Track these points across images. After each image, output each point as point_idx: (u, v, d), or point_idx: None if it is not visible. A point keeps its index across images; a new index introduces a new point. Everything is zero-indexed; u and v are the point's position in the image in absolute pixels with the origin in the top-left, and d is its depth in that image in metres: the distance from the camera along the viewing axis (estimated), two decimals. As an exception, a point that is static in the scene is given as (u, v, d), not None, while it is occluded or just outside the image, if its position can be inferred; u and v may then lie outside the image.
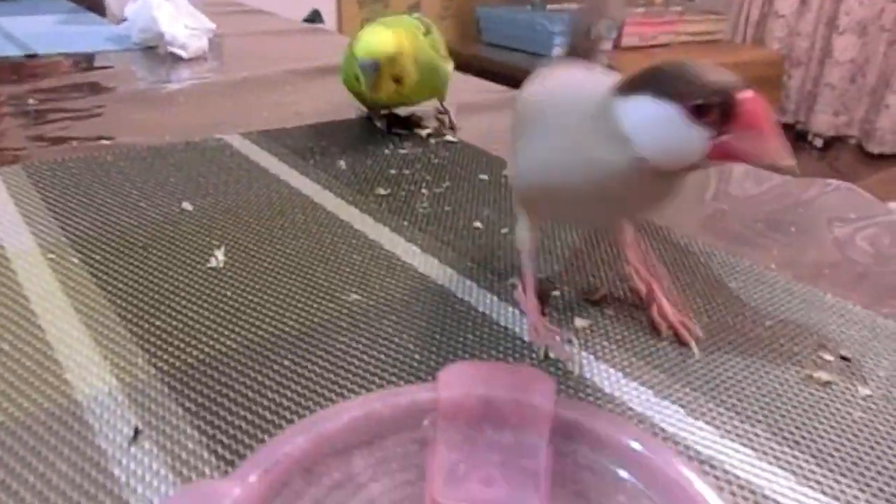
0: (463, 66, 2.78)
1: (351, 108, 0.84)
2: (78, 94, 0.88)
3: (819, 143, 3.12)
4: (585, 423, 0.32)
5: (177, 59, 1.06)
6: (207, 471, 0.34)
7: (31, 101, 0.84)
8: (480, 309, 0.47)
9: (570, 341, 0.44)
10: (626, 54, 2.88)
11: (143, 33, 1.09)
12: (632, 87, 0.34)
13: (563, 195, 0.39)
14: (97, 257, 0.50)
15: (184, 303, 0.45)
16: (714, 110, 0.31)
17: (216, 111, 0.82)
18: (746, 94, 0.31)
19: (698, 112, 0.31)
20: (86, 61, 1.04)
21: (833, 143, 3.13)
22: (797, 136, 3.20)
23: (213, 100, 0.87)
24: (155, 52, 1.09)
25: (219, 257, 0.50)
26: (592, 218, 0.50)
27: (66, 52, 1.08)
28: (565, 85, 0.42)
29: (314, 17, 2.75)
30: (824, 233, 0.60)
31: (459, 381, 0.34)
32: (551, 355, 0.42)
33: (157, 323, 0.44)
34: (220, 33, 1.19)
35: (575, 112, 0.37)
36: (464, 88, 0.99)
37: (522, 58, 2.79)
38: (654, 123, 0.32)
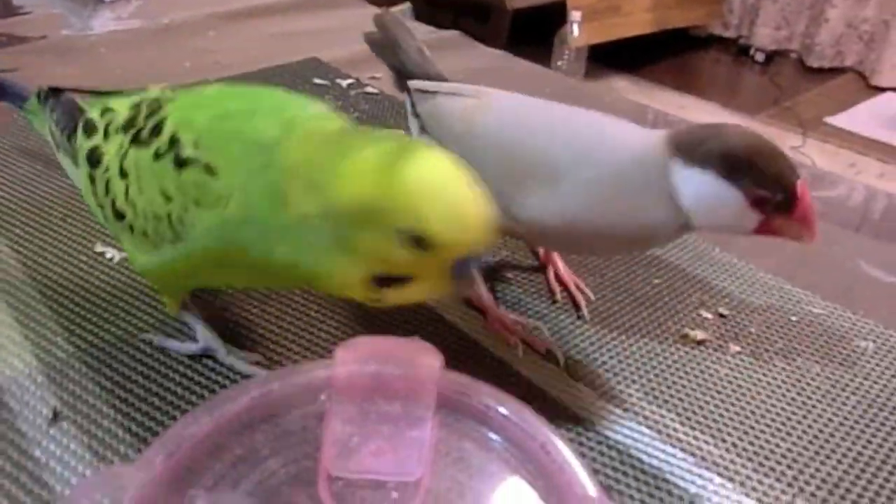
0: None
1: (273, 56, 0.84)
2: (-7, 46, 0.87)
3: (761, 57, 3.14)
4: (467, 394, 0.35)
5: (99, 1, 1.04)
6: (122, 448, 0.36)
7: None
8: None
9: (536, 328, 0.45)
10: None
11: (63, -26, 1.06)
12: (692, 154, 0.34)
13: (594, 242, 0.39)
14: (17, 231, 0.51)
15: (103, 277, 0.47)
16: (774, 202, 0.33)
17: (137, 63, 0.82)
18: (803, 190, 0.33)
19: (760, 201, 0.33)
20: (1, 6, 1.02)
21: (774, 57, 3.15)
22: (739, 51, 3.22)
23: (135, 50, 0.86)
24: (76, -8, 1.07)
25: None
26: (607, 253, 0.51)
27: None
28: (560, 127, 0.40)
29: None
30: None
31: (354, 357, 0.37)
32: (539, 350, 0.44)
33: (77, 299, 0.45)
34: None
35: (606, 165, 0.36)
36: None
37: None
38: (715, 202, 0.34)
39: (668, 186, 0.34)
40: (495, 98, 0.44)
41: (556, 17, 2.57)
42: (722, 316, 0.48)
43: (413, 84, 0.48)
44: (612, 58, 2.88)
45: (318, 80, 0.79)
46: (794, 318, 0.48)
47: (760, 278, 0.51)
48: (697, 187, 0.34)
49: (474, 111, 0.42)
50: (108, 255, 0.49)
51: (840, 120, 2.64)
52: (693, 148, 0.34)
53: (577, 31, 2.53)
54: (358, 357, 0.37)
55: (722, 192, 0.33)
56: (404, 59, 0.50)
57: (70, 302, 0.45)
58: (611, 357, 0.43)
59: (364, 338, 0.42)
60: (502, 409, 0.34)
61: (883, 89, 2.88)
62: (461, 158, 0.30)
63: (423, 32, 0.97)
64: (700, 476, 0.36)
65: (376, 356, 0.37)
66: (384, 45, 0.53)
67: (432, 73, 0.50)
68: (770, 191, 0.33)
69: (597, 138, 0.38)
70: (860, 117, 2.68)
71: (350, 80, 0.79)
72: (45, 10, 1.00)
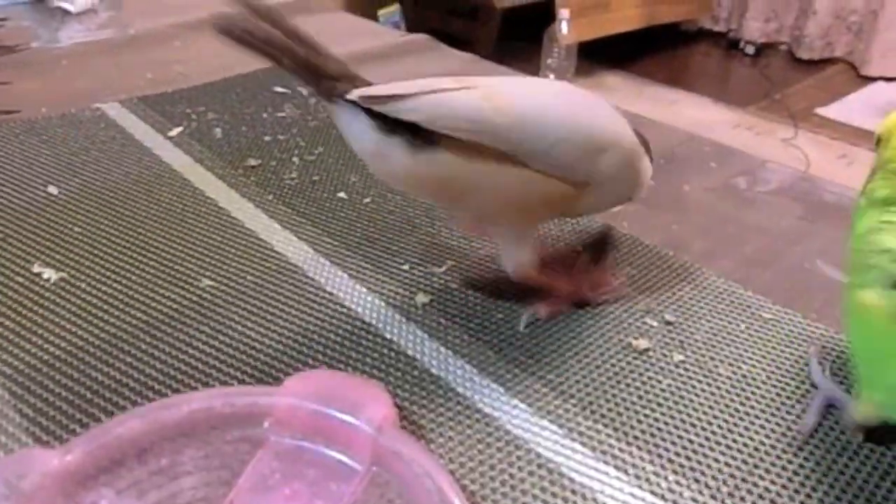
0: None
1: (236, 65, 0.83)
2: (-43, 59, 0.86)
3: (751, 50, 3.13)
4: (404, 459, 0.34)
5: (66, 12, 1.03)
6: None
7: None
8: (328, 289, 0.48)
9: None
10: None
11: (30, -15, 1.05)
12: None
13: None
14: (-44, 252, 0.51)
15: (29, 302, 0.46)
16: None
17: (99, 75, 0.81)
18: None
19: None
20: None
21: (764, 49, 3.14)
22: (729, 44, 3.21)
23: (98, 61, 0.85)
24: (44, 5, 1.06)
25: (73, 254, 0.51)
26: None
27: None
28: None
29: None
30: (679, 187, 0.63)
31: (302, 390, 0.36)
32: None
33: (12, 319, 0.45)
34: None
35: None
36: (357, 33, 0.98)
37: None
38: None
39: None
40: (496, 85, 0.41)
41: (545, 15, 2.56)
42: (668, 323, 0.47)
43: (363, 92, 0.39)
44: (602, 54, 2.87)
45: (278, 89, 0.78)
46: (742, 325, 0.47)
47: (712, 283, 0.50)
48: None
49: (495, 100, 0.39)
50: (46, 276, 0.48)
51: (831, 111, 2.63)
52: None
53: (567, 29, 2.52)
54: (305, 391, 0.37)
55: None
56: (321, 63, 0.40)
57: (7, 320, 0.44)
58: (549, 371, 0.43)
59: (319, 371, 0.41)
60: (436, 482, 0.32)
61: (873, 79, 2.87)
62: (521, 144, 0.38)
63: (392, 36, 0.96)
64: (632, 496, 0.36)
65: (325, 393, 0.36)
66: (282, 48, 0.39)
67: (358, 77, 0.41)
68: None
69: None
70: (851, 107, 2.67)
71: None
72: (12, 23, 0.99)
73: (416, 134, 0.38)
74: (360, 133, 0.40)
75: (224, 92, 0.77)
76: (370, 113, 0.38)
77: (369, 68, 0.85)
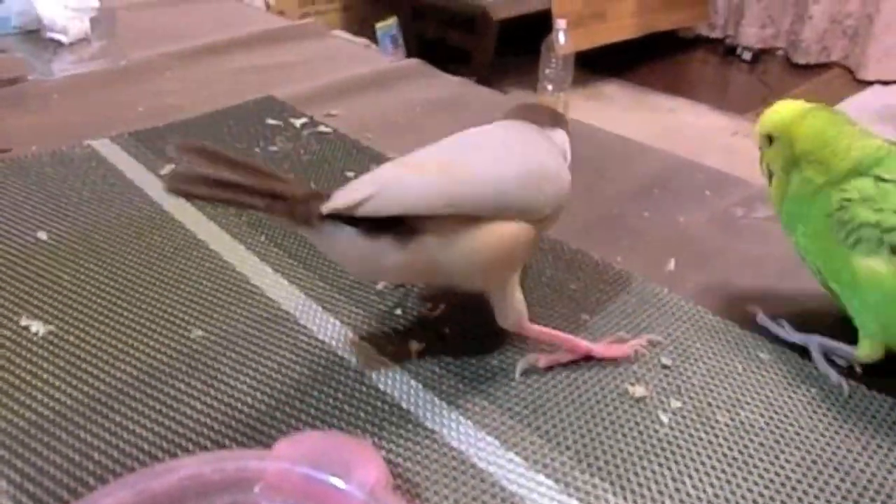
0: None
1: (229, 95, 0.83)
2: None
3: (748, 56, 3.13)
4: None
5: (58, 43, 1.03)
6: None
7: None
8: (320, 336, 0.48)
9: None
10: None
11: (22, 17, 1.05)
12: None
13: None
14: (-57, 304, 0.50)
15: (17, 358, 0.46)
16: None
17: (90, 109, 0.81)
18: None
19: None
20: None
21: (761, 55, 3.14)
22: (726, 51, 3.21)
23: (90, 95, 0.85)
24: (37, 35, 1.06)
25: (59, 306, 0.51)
26: None
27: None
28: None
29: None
30: (674, 219, 0.62)
31: (292, 453, 0.36)
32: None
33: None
34: (110, 6, 1.16)
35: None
36: (349, 58, 0.98)
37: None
38: None
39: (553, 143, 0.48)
40: (446, 153, 0.44)
41: (542, 26, 2.56)
42: (665, 367, 0.46)
43: (337, 203, 0.38)
44: (599, 63, 2.87)
45: (270, 121, 0.78)
46: (739, 367, 0.46)
47: (708, 322, 0.50)
48: (559, 136, 0.49)
49: (451, 172, 0.41)
50: (34, 329, 0.48)
51: (829, 116, 2.62)
52: (540, 119, 0.49)
53: (564, 39, 2.52)
54: (296, 454, 0.36)
55: (563, 134, 0.50)
56: (286, 190, 0.38)
57: (-9, 381, 0.44)
58: (545, 421, 0.42)
59: (310, 433, 0.40)
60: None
61: (870, 83, 2.86)
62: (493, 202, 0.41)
63: (383, 62, 0.96)
64: (629, 554, 0.35)
65: (316, 457, 0.36)
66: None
67: (320, 191, 0.39)
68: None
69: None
70: (849, 111, 2.63)
71: (304, 119, 0.78)
72: (8, 55, 0.98)
73: (399, 229, 0.39)
74: (348, 245, 0.39)
75: (216, 125, 0.77)
76: (350, 221, 0.38)
77: (363, 96, 0.85)
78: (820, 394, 0.44)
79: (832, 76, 3.00)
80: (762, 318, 0.50)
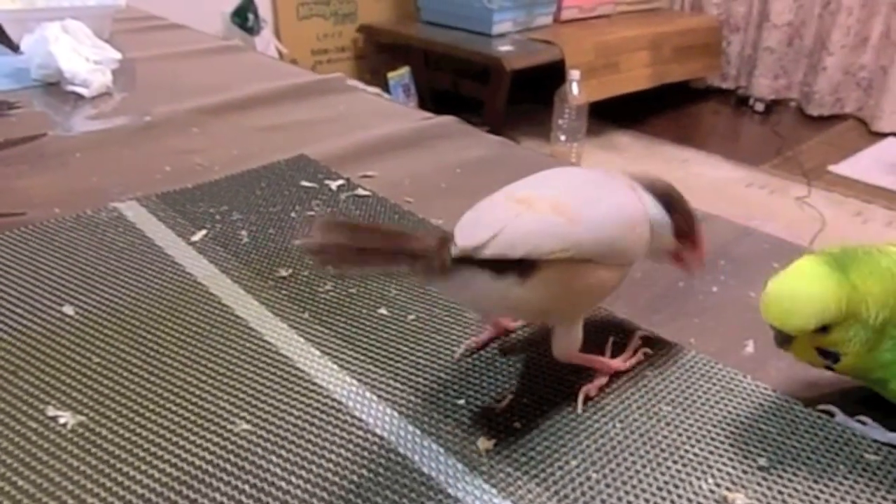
0: (402, 47, 2.73)
1: (257, 155, 0.79)
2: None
3: (760, 107, 3.12)
4: None
5: (79, 97, 0.99)
6: None
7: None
8: (378, 431, 0.44)
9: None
10: (565, 27, 2.84)
11: (42, 69, 1.02)
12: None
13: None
14: (-37, 389, 0.46)
15: (44, 455, 0.41)
16: (687, 235, 0.47)
17: (114, 169, 0.77)
18: (702, 232, 0.48)
19: (680, 232, 0.47)
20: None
21: (774, 106, 3.13)
22: (739, 101, 3.21)
23: (113, 153, 0.81)
24: (58, 87, 1.03)
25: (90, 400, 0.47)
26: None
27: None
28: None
29: (246, 5, 2.65)
30: (745, 293, 0.58)
31: None
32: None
33: (24, 471, 0.40)
34: (131, 57, 1.13)
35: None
36: (381, 115, 0.95)
37: (463, 36, 2.73)
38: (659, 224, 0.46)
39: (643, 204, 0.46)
40: (552, 193, 0.44)
41: (555, 76, 2.55)
42: (762, 468, 0.41)
43: (467, 243, 0.40)
44: (613, 113, 2.86)
45: (305, 183, 0.74)
46: (844, 470, 0.42)
47: (800, 415, 0.45)
48: (655, 207, 0.46)
49: (565, 213, 0.42)
50: (62, 421, 0.43)
51: (843, 168, 2.61)
52: (646, 181, 0.47)
53: (577, 90, 2.51)
54: None
55: (663, 217, 0.46)
56: (416, 246, 0.40)
57: (20, 478, 0.39)
58: (639, 536, 0.37)
59: None
60: None
61: (884, 135, 2.85)
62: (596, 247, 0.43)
63: (416, 119, 0.93)
64: None
65: None
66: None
67: (444, 234, 0.41)
68: (688, 225, 0.47)
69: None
70: (863, 164, 2.64)
71: (340, 182, 0.74)
72: (23, 109, 0.95)
73: (522, 266, 0.40)
74: (482, 286, 0.41)
75: (247, 187, 0.73)
76: (477, 262, 0.40)
77: (399, 155, 0.82)
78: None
79: (846, 128, 2.98)
80: (842, 419, 0.45)
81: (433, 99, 2.90)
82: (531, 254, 0.40)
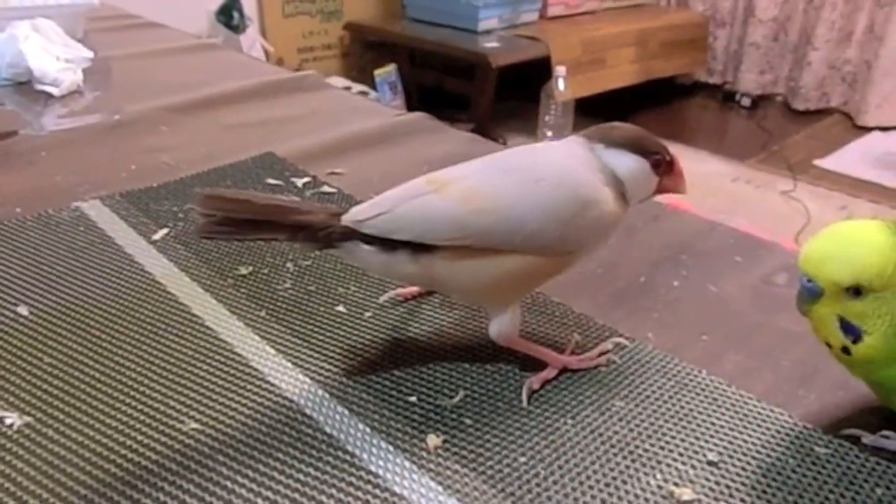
0: (389, 45, 2.71)
1: (225, 153, 0.79)
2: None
3: (747, 102, 3.12)
4: None
5: (50, 95, 0.99)
6: None
7: None
8: (328, 430, 0.43)
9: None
10: (551, 23, 2.84)
11: (12, 68, 1.01)
12: (608, 141, 0.46)
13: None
14: (-89, 391, 0.45)
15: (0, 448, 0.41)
16: (664, 162, 0.46)
17: (80, 168, 0.77)
18: (674, 155, 0.47)
19: (657, 163, 0.46)
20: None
21: (760, 101, 3.14)
22: (725, 97, 3.21)
23: (80, 152, 0.81)
24: (29, 86, 1.02)
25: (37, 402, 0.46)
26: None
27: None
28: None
29: (231, 3, 2.63)
30: (705, 288, 0.58)
31: None
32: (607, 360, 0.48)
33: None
34: (104, 56, 1.13)
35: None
36: (353, 112, 0.94)
37: (449, 33, 2.72)
38: (634, 168, 0.46)
39: (604, 166, 0.45)
40: (467, 177, 0.45)
41: (541, 72, 2.54)
42: (711, 463, 0.41)
43: (352, 216, 0.43)
44: (599, 109, 2.85)
45: (271, 180, 0.74)
46: (793, 463, 0.42)
47: (753, 409, 0.45)
48: (621, 160, 0.45)
49: (472, 202, 0.43)
50: (8, 422, 0.43)
51: (829, 162, 2.61)
52: (605, 137, 0.45)
53: (563, 86, 2.51)
54: None
55: (635, 161, 0.45)
56: (310, 219, 0.43)
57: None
58: (583, 532, 0.37)
59: None
60: None
61: (869, 129, 2.85)
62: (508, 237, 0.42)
63: (388, 116, 0.92)
64: None
65: None
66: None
67: (339, 209, 0.44)
68: (661, 154, 0.46)
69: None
70: (849, 158, 2.65)
71: (306, 179, 0.74)
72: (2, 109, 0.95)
73: (414, 245, 0.43)
74: (368, 258, 0.44)
75: (213, 185, 0.73)
76: (369, 240, 0.43)
77: (368, 153, 0.81)
78: (887, 494, 0.40)
79: (831, 122, 2.99)
80: (873, 440, 0.43)
81: (420, 96, 2.89)
82: (420, 238, 0.42)
